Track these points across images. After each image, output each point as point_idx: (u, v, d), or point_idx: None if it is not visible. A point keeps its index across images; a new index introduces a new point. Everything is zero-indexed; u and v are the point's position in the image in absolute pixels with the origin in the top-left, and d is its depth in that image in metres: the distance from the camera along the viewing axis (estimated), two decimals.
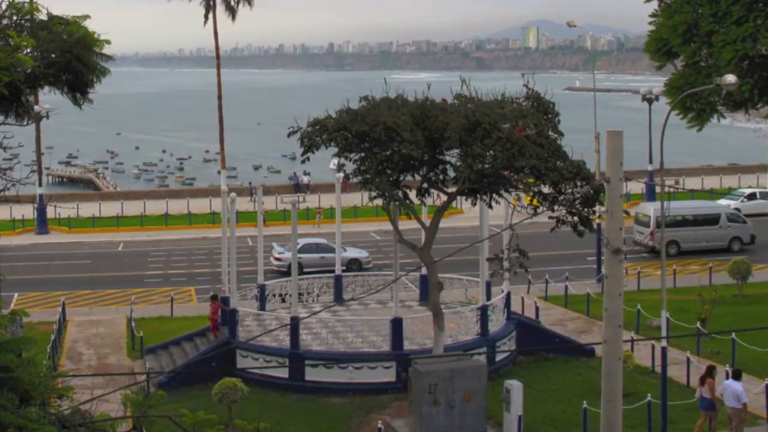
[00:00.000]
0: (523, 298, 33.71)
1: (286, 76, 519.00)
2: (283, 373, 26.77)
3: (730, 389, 21.45)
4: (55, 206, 55.73)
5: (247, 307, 30.02)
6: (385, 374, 26.17)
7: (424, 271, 29.09)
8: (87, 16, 12.38)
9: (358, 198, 54.02)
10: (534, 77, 23.99)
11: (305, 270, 38.99)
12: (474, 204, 24.69)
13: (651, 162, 56.79)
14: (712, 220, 44.75)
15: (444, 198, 24.75)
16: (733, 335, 26.89)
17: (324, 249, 42.21)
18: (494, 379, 25.19)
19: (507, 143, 21.98)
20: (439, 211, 24.62)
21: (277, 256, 42.45)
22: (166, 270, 44.61)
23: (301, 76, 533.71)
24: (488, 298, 28.19)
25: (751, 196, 55.03)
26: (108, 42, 12.38)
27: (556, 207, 22.16)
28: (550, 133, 23.19)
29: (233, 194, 30.66)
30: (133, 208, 59.78)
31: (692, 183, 61.93)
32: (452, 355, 24.19)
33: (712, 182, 65.62)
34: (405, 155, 22.35)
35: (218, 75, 59.21)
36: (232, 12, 59.03)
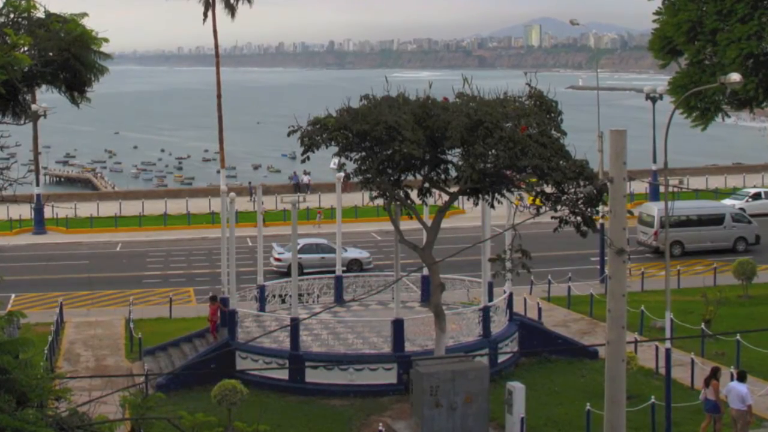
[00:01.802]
0: (525, 299, 33.48)
1: (286, 75, 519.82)
2: (283, 374, 26.61)
3: (735, 391, 21.30)
4: (53, 206, 55.64)
5: (247, 308, 29.83)
6: (386, 376, 25.97)
7: (425, 271, 28.93)
8: (85, 14, 12.25)
9: (358, 198, 53.88)
10: (536, 76, 23.88)
11: (305, 271, 38.78)
12: (476, 204, 24.48)
13: (655, 161, 56.69)
14: (716, 220, 44.48)
15: (445, 198, 24.58)
16: (738, 336, 26.68)
17: (324, 249, 42.01)
18: (496, 380, 25.04)
19: (509, 142, 21.79)
20: (441, 211, 24.45)
21: (276, 256, 42.25)
22: (164, 271, 44.41)
23: (301, 74, 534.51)
24: (490, 299, 28.01)
25: (756, 196, 54.64)
26: (106, 40, 12.26)
27: (558, 207, 22.04)
28: (553, 132, 23.04)
29: (232, 194, 30.51)
30: (131, 208, 59.56)
31: (696, 183, 61.54)
32: (454, 357, 24.07)
33: (716, 182, 65.29)
34: (406, 154, 22.18)
35: (217, 73, 58.99)
36: (231, 10, 58.79)
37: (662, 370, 23.97)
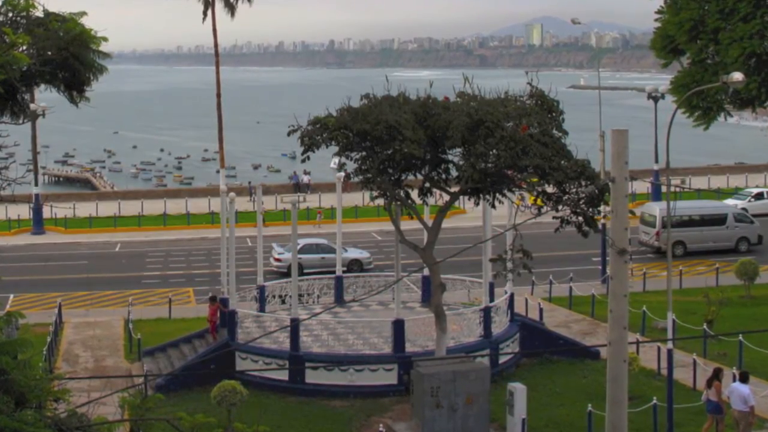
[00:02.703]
0: (526, 300, 33.41)
1: (286, 74, 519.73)
2: (283, 375, 26.51)
3: (737, 392, 21.23)
4: (52, 206, 55.53)
5: (247, 308, 29.72)
6: (387, 377, 25.90)
7: (426, 272, 28.82)
8: (84, 13, 12.20)
9: (359, 198, 53.77)
10: (538, 75, 23.82)
11: (305, 271, 38.67)
12: (477, 204, 24.38)
13: (657, 161, 56.54)
14: (718, 220, 44.34)
15: (446, 198, 24.48)
16: (740, 337, 26.63)
17: (324, 249, 41.92)
18: (497, 381, 24.97)
19: (510, 142, 21.70)
20: (442, 211, 24.35)
21: (276, 256, 42.16)
22: (164, 271, 44.32)
23: (301, 73, 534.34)
24: (491, 299, 27.92)
25: (759, 196, 54.42)
26: (105, 39, 12.21)
27: (560, 207, 21.94)
28: (555, 131, 22.96)
29: (232, 194, 30.41)
30: (130, 207, 59.46)
31: (699, 182, 61.47)
32: (455, 358, 23.98)
33: (718, 182, 65.09)
34: (407, 154, 22.09)
35: (217, 73, 58.90)
36: (231, 9, 58.69)
37: (664, 371, 23.88)
